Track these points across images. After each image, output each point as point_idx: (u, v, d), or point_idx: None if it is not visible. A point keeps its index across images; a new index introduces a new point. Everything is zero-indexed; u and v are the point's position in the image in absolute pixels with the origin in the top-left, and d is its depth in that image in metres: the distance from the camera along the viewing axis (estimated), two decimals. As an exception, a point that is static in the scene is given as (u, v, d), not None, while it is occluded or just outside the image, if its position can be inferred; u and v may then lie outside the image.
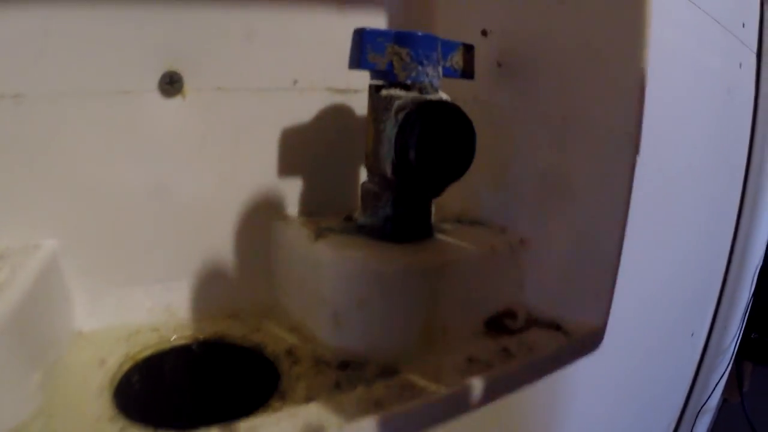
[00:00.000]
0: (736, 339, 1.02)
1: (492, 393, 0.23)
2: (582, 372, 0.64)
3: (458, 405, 0.22)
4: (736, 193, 0.95)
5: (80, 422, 0.23)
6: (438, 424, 0.22)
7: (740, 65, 0.89)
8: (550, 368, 0.26)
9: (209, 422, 0.20)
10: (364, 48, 0.25)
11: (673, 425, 1.07)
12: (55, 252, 0.27)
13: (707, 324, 1.02)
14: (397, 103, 0.24)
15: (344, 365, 0.25)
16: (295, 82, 0.30)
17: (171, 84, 0.28)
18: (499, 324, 0.28)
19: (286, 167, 0.31)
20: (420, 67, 0.25)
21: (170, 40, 0.27)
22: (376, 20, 0.32)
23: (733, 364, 1.05)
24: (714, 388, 1.03)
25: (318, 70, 0.31)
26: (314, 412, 0.21)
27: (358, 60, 0.25)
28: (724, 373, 1.03)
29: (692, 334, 0.97)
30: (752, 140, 0.98)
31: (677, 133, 0.63)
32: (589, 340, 0.27)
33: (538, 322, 0.28)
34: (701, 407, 1.04)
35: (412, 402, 0.21)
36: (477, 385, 0.22)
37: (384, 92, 0.25)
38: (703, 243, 0.88)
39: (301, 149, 0.31)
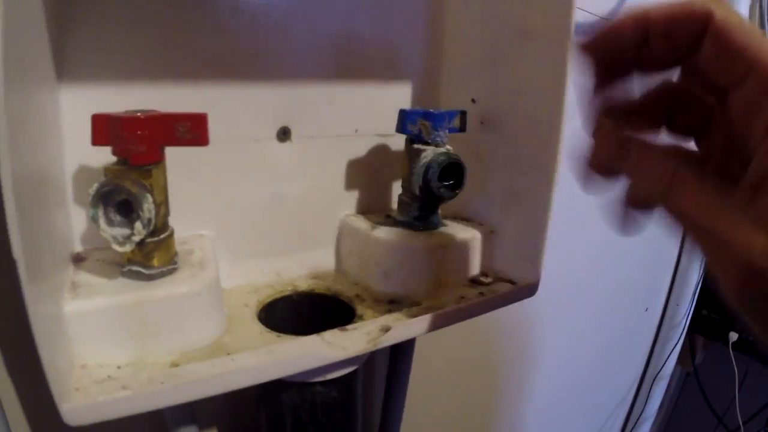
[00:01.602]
0: (687, 315, 1.29)
1: (472, 312, 0.48)
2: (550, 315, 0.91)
3: (455, 317, 0.47)
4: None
5: (253, 334, 0.45)
6: (445, 327, 0.46)
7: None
8: (504, 303, 0.51)
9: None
10: (405, 121, 0.49)
11: (634, 388, 1.36)
12: (212, 238, 0.50)
13: (662, 301, 1.30)
14: (423, 153, 0.48)
15: (391, 301, 0.50)
16: (356, 130, 0.55)
17: (284, 134, 0.51)
18: (478, 280, 0.53)
19: (350, 183, 0.56)
20: (436, 132, 0.49)
21: (283, 107, 0.51)
22: (405, 91, 0.57)
23: (685, 338, 1.33)
24: (667, 358, 1.30)
25: (370, 122, 0.55)
26: (381, 320, 0.45)
27: (401, 128, 0.49)
28: (676, 344, 1.30)
29: (646, 310, 1.25)
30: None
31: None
32: (529, 289, 0.52)
33: (501, 279, 0.53)
34: (657, 374, 1.32)
35: (432, 314, 0.45)
36: (465, 308, 0.47)
37: (415, 145, 0.50)
38: (650, 230, 1.14)
39: (359, 172, 0.56)
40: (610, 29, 0.31)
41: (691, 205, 0.26)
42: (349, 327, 0.44)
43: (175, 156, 0.44)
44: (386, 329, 0.43)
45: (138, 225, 0.39)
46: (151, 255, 0.43)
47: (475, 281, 0.53)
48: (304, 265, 0.55)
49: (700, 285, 1.28)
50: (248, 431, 0.59)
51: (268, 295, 0.51)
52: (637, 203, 0.32)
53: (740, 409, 1.25)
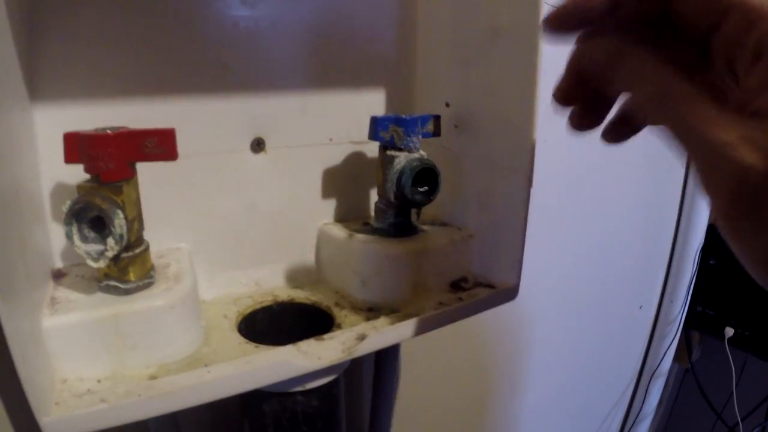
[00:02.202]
0: (682, 311, 1.29)
1: (452, 318, 0.48)
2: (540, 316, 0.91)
3: (433, 324, 0.47)
4: (678, 179, 1.21)
5: (230, 345, 0.45)
6: (423, 334, 0.47)
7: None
8: (484, 308, 0.51)
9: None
10: (377, 128, 0.49)
11: (632, 386, 1.36)
12: (189, 251, 0.51)
13: (656, 298, 1.30)
14: (396, 159, 0.49)
15: (370, 309, 0.50)
16: (331, 139, 0.55)
17: (258, 145, 0.52)
18: (458, 285, 0.53)
19: (326, 191, 0.57)
20: (408, 137, 0.49)
21: (256, 117, 0.51)
22: (379, 97, 0.57)
23: (681, 334, 1.33)
24: (664, 355, 1.30)
25: (344, 130, 0.56)
26: (359, 328, 0.45)
27: (373, 135, 0.50)
28: (672, 341, 1.30)
29: (641, 307, 1.26)
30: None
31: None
32: (508, 293, 0.52)
33: (481, 284, 0.54)
34: (654, 371, 1.32)
35: (409, 321, 0.46)
36: (444, 313, 0.47)
37: (388, 152, 0.50)
38: (642, 226, 1.15)
39: (335, 180, 0.57)
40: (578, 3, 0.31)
41: (690, 114, 0.25)
42: (325, 336, 0.44)
43: (150, 170, 0.44)
44: (362, 338, 0.44)
45: (110, 241, 0.40)
46: (127, 270, 0.43)
47: (454, 286, 0.53)
48: (284, 275, 0.56)
49: (694, 280, 1.28)
50: (234, 442, 0.60)
51: (247, 305, 0.52)
52: (625, 120, 0.34)
53: (738, 404, 1.25)
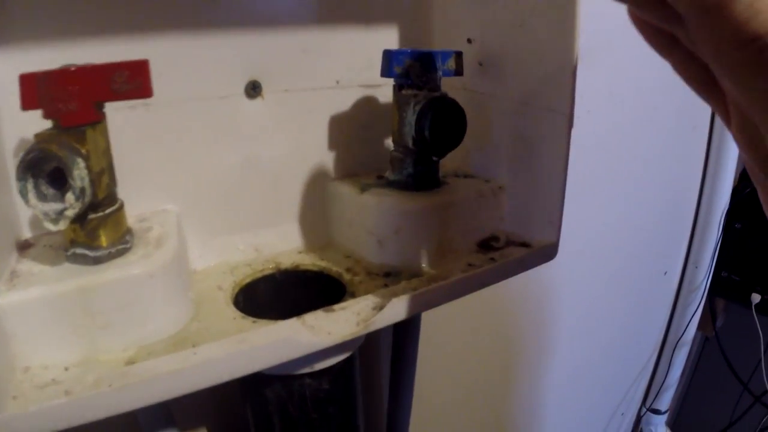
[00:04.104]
0: (707, 277, 1.20)
1: (483, 281, 0.39)
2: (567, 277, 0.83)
3: (463, 288, 0.38)
4: (703, 141, 1.12)
5: (224, 321, 0.37)
6: (452, 300, 0.38)
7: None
8: (520, 269, 0.42)
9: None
10: (391, 63, 0.40)
11: (655, 355, 1.27)
12: (177, 213, 0.42)
13: (680, 264, 1.21)
14: (414, 98, 0.40)
15: (387, 274, 0.41)
16: (338, 81, 0.46)
17: (254, 89, 0.43)
18: (488, 245, 0.44)
19: (334, 142, 0.47)
20: (428, 74, 0.40)
21: (252, 58, 0.42)
22: (391, 33, 0.48)
23: (706, 301, 1.23)
24: (689, 323, 1.21)
25: (353, 72, 0.46)
26: (378, 296, 0.36)
27: (387, 71, 0.41)
28: (697, 308, 1.21)
29: (665, 273, 1.16)
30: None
31: (624, 91, 0.80)
32: (546, 252, 0.43)
33: (514, 242, 0.44)
34: (678, 340, 1.23)
35: (434, 286, 0.37)
36: (474, 276, 0.38)
37: (404, 91, 0.41)
38: (665, 190, 1.05)
39: (343, 129, 0.48)
40: None
41: None
42: (335, 307, 0.35)
43: (131, 119, 0.38)
44: (380, 307, 0.35)
45: (69, 196, 0.31)
46: (96, 233, 0.34)
47: (483, 246, 0.44)
48: (288, 239, 0.47)
49: (719, 246, 1.18)
50: (238, 430, 0.51)
51: (246, 275, 0.43)
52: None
53: (766, 373, 1.16)
